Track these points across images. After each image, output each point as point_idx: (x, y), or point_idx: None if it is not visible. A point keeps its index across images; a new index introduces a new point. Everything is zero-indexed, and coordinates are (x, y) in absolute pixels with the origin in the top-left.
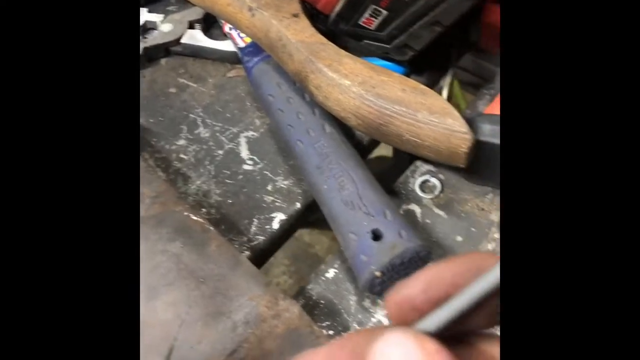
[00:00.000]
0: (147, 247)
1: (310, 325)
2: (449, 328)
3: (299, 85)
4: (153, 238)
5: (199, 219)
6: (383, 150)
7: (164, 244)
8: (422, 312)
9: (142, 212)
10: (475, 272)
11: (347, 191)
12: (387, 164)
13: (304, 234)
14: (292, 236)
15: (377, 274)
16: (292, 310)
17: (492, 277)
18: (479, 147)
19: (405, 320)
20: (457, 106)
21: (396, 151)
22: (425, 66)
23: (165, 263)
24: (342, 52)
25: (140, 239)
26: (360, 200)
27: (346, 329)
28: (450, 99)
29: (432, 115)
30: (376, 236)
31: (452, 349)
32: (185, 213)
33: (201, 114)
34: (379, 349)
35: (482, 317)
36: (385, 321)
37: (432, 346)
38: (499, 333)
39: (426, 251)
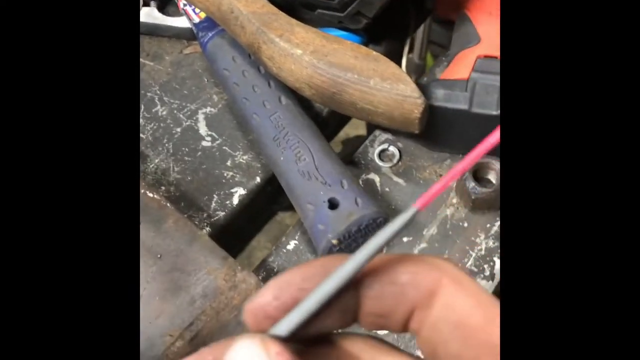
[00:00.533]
0: None
1: None
2: (300, 330)
3: (253, 57)
4: None
5: (155, 196)
6: (360, 130)
7: None
8: (275, 319)
9: None
10: (323, 275)
11: (303, 162)
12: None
13: (286, 217)
14: (274, 219)
15: (334, 242)
16: (249, 281)
17: (335, 278)
18: (433, 112)
19: (262, 329)
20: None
21: (369, 126)
22: (382, 35)
23: None
24: (294, 21)
25: None
26: (316, 171)
27: None
28: (423, 70)
29: (385, 81)
30: (333, 205)
31: (312, 349)
32: (142, 191)
33: (158, 92)
34: (229, 356)
35: (335, 317)
36: None
37: (276, 348)
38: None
39: (383, 217)
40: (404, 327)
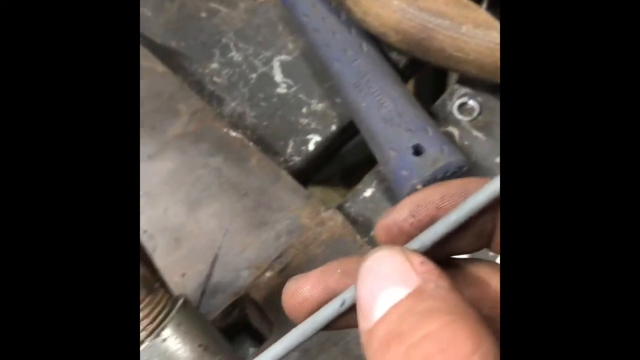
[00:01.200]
0: (187, 162)
1: (353, 234)
2: (435, 248)
3: (334, 4)
4: (193, 153)
5: (238, 135)
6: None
7: (204, 158)
8: (409, 236)
9: (181, 128)
10: (462, 196)
11: (386, 108)
12: None
13: (316, 191)
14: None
15: (419, 187)
16: (336, 219)
17: (477, 198)
18: None
19: (394, 244)
20: None
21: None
22: None
23: (207, 177)
24: None
25: (181, 153)
26: (400, 117)
27: None
28: None
29: (477, 28)
30: (417, 151)
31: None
32: (225, 129)
33: (233, 38)
34: (367, 265)
35: (468, 240)
36: None
37: (418, 259)
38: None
39: (468, 167)
40: None
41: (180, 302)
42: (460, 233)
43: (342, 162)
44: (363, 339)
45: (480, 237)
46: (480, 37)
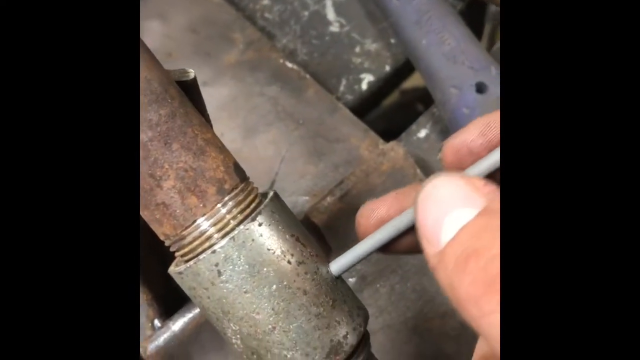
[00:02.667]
0: (243, 89)
1: (414, 167)
2: (496, 173)
3: None
4: (249, 81)
5: (294, 67)
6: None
7: (261, 87)
8: (478, 156)
9: (237, 56)
10: None
11: (448, 46)
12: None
13: None
14: None
15: None
16: (398, 150)
17: None
18: None
19: (461, 167)
20: None
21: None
22: None
23: (263, 105)
24: None
25: (237, 81)
26: (463, 55)
27: None
28: None
29: None
30: (480, 89)
31: None
32: (281, 60)
33: None
34: (425, 192)
35: None
36: None
37: (480, 182)
38: None
39: None
40: None
41: (271, 193)
42: None
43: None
44: (432, 262)
45: None
46: None
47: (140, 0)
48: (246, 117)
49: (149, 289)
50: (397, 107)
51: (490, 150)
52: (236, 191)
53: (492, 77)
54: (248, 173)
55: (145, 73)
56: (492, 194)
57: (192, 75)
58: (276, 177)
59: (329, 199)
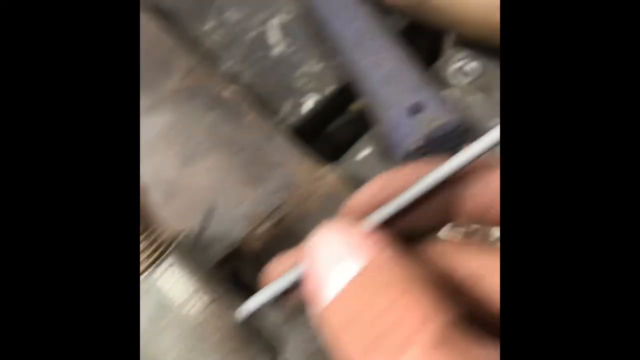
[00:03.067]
0: (182, 118)
1: (350, 191)
2: (393, 222)
3: None
4: (187, 109)
5: (233, 93)
6: None
7: (199, 115)
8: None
9: (176, 84)
10: (419, 177)
11: (385, 68)
12: None
13: None
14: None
15: (420, 143)
16: (332, 175)
17: (432, 176)
18: None
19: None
20: None
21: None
22: None
23: (201, 133)
24: None
25: (174, 110)
26: (399, 77)
27: None
28: None
29: None
30: (416, 110)
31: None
32: (219, 87)
33: None
34: (312, 244)
35: (431, 215)
36: None
37: (366, 230)
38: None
39: (464, 126)
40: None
41: (177, 239)
42: (420, 208)
43: (331, 141)
44: (318, 321)
45: (441, 214)
46: None
47: None
48: (183, 145)
49: None
50: (345, 127)
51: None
52: (141, 241)
53: (427, 97)
54: (185, 202)
55: None
56: (378, 246)
57: None
58: (214, 205)
59: (264, 225)
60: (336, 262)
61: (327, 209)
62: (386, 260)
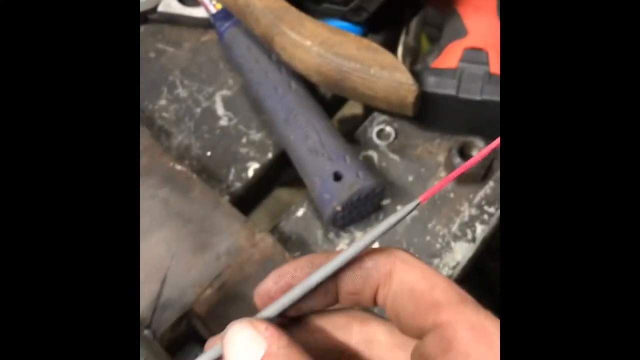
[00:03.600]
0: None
1: (282, 253)
2: (291, 310)
3: (266, 47)
4: (143, 186)
5: (182, 169)
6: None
7: (153, 190)
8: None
9: None
10: (311, 267)
11: (311, 140)
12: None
13: (283, 193)
14: (271, 195)
15: (338, 208)
16: (267, 240)
17: (317, 273)
18: (425, 97)
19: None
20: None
21: (366, 108)
22: (381, 26)
23: (155, 207)
24: (304, 15)
25: None
26: (323, 148)
27: None
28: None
29: (383, 70)
30: (337, 177)
31: (302, 324)
32: (171, 164)
33: (179, 75)
34: (226, 340)
35: (320, 299)
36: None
37: (262, 325)
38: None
39: (380, 188)
40: (374, 302)
41: (144, 334)
42: (311, 295)
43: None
44: None
45: (328, 295)
46: (386, 78)
47: None
48: (141, 220)
49: None
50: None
51: (283, 294)
52: None
53: (347, 165)
54: (144, 271)
55: None
56: (271, 338)
57: None
58: (167, 272)
59: (209, 290)
60: (243, 352)
61: (263, 271)
62: (276, 347)
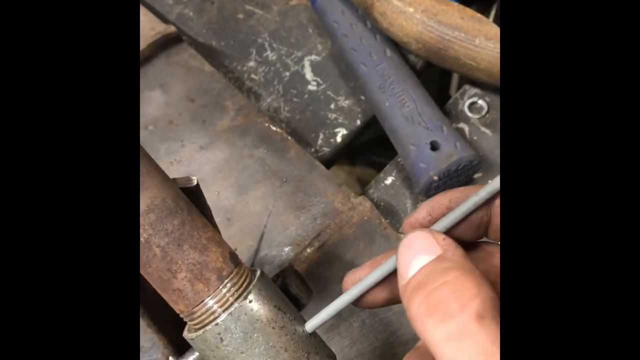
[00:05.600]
0: (235, 152)
1: (379, 218)
2: (450, 232)
3: (361, 12)
4: (240, 145)
5: (278, 129)
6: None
7: (250, 149)
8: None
9: (228, 122)
10: (464, 198)
11: (407, 108)
12: None
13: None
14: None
15: (435, 178)
16: (365, 204)
17: (473, 199)
18: None
19: None
20: None
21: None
22: None
23: (252, 165)
24: None
25: (229, 145)
26: (419, 116)
27: None
28: None
29: (489, 41)
30: (434, 147)
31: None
32: (266, 124)
33: (268, 38)
34: (404, 242)
35: (471, 229)
36: None
37: (441, 236)
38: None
39: (477, 160)
40: None
41: (258, 272)
42: (464, 224)
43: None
44: (400, 292)
45: (479, 228)
46: (490, 49)
47: (143, 71)
48: (238, 177)
49: (164, 335)
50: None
51: (434, 222)
52: (232, 276)
53: (444, 135)
54: (241, 226)
55: (162, 193)
56: (446, 246)
57: (194, 183)
58: (265, 230)
59: (308, 249)
60: (418, 253)
61: (361, 233)
62: (452, 254)
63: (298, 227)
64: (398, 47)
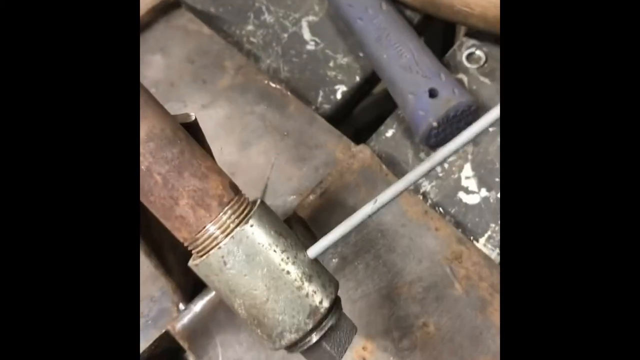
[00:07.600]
0: (236, 110)
1: (380, 165)
2: None
3: None
4: (241, 102)
5: (277, 86)
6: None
7: (250, 106)
8: None
9: (229, 81)
10: None
11: (405, 58)
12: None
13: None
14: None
15: (435, 124)
16: (365, 152)
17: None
18: None
19: None
20: None
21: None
22: None
23: (254, 121)
24: None
25: (230, 103)
26: (417, 65)
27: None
28: None
29: None
30: (432, 94)
31: None
32: (266, 81)
33: (264, 2)
34: None
35: None
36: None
37: None
38: None
39: (476, 106)
40: None
41: (259, 201)
42: None
43: (354, 123)
44: None
45: None
46: None
47: (143, 37)
48: (240, 133)
49: (173, 280)
50: (369, 110)
51: None
52: (232, 203)
53: (442, 82)
54: (245, 180)
55: (160, 124)
56: None
57: (192, 118)
58: (268, 181)
59: (311, 196)
60: None
61: (362, 180)
62: None
63: (300, 177)
64: (394, 0)
